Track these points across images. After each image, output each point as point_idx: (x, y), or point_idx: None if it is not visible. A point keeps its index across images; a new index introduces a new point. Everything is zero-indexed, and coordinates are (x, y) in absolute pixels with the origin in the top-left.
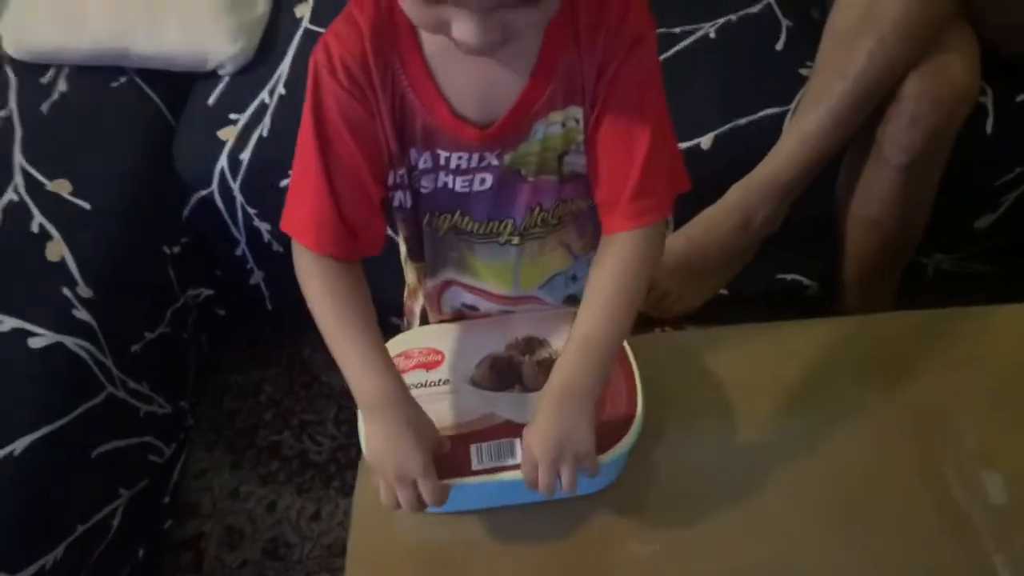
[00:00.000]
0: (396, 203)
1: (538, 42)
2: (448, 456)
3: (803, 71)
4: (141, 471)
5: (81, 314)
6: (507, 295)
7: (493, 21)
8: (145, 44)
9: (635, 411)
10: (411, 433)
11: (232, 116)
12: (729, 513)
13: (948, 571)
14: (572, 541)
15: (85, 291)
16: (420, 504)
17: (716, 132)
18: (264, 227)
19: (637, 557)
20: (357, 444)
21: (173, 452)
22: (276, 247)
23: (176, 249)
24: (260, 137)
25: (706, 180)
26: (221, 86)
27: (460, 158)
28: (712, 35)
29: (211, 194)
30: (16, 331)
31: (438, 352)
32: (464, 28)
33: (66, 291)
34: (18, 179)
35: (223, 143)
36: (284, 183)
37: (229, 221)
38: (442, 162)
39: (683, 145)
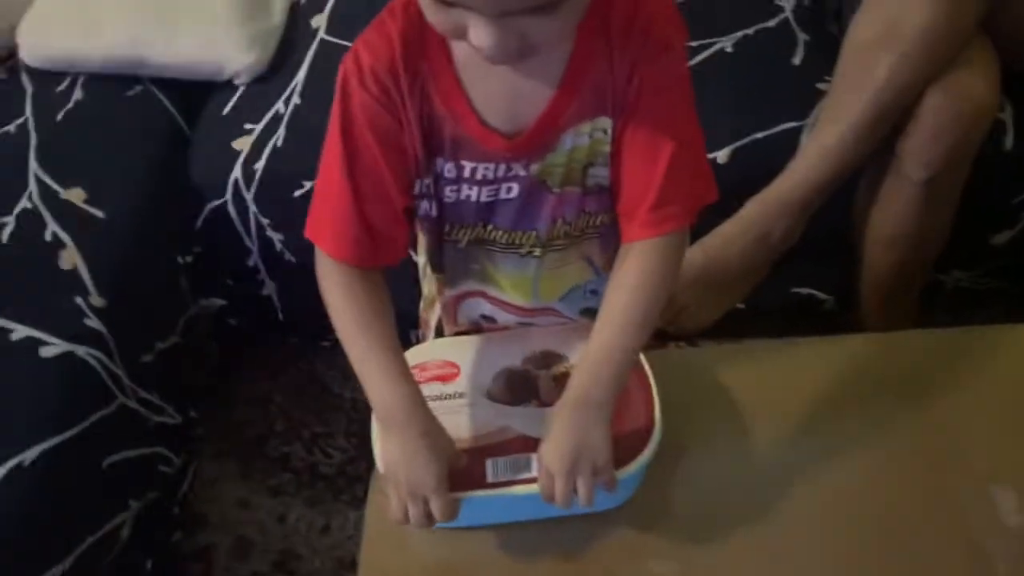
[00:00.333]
0: (421, 212)
1: (567, 52)
2: (464, 469)
3: (821, 85)
4: (151, 481)
5: (93, 323)
6: (525, 306)
7: (509, 27)
8: (161, 53)
9: (652, 425)
10: (426, 447)
11: (247, 126)
12: (746, 532)
13: None
14: (588, 558)
15: (97, 300)
16: (429, 520)
17: (733, 146)
18: (277, 237)
19: (654, 575)
20: (367, 456)
21: (183, 462)
22: (289, 258)
23: (189, 259)
24: (274, 147)
25: (723, 194)
26: (236, 96)
27: (487, 169)
28: (729, 49)
29: (224, 204)
30: (28, 339)
31: (454, 365)
32: (480, 34)
33: (78, 300)
34: (32, 187)
35: (237, 153)
36: (298, 194)
37: (242, 231)
38: (466, 173)
39: None
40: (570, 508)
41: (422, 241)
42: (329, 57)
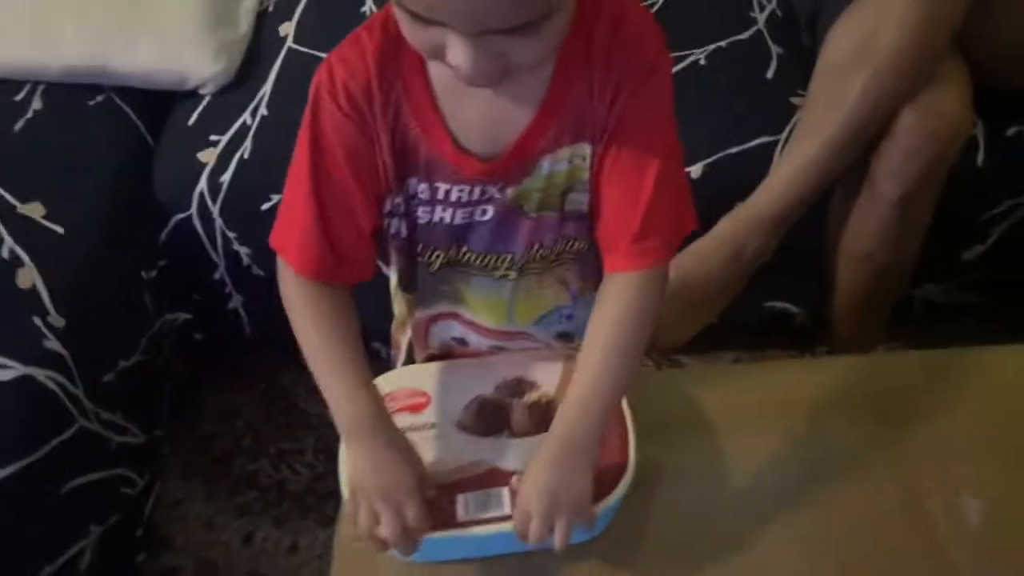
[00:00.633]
0: (392, 231)
1: (547, 75)
2: (433, 506)
3: (794, 100)
4: (113, 504)
5: (52, 344)
6: (499, 329)
7: (487, 48)
8: (123, 61)
9: (627, 459)
10: (394, 455)
11: (213, 137)
12: (723, 559)
13: None
14: None
15: (57, 320)
16: (404, 533)
17: (706, 161)
18: (244, 251)
19: None
20: (336, 473)
21: (147, 483)
22: (256, 271)
23: (153, 273)
24: (241, 159)
25: (696, 210)
26: (202, 106)
27: (461, 191)
28: (702, 62)
29: (190, 217)
30: None
31: (424, 394)
32: (458, 53)
33: (37, 320)
34: None
35: (203, 165)
36: (265, 207)
37: (208, 245)
38: (440, 195)
39: None
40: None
41: (394, 259)
42: (297, 67)
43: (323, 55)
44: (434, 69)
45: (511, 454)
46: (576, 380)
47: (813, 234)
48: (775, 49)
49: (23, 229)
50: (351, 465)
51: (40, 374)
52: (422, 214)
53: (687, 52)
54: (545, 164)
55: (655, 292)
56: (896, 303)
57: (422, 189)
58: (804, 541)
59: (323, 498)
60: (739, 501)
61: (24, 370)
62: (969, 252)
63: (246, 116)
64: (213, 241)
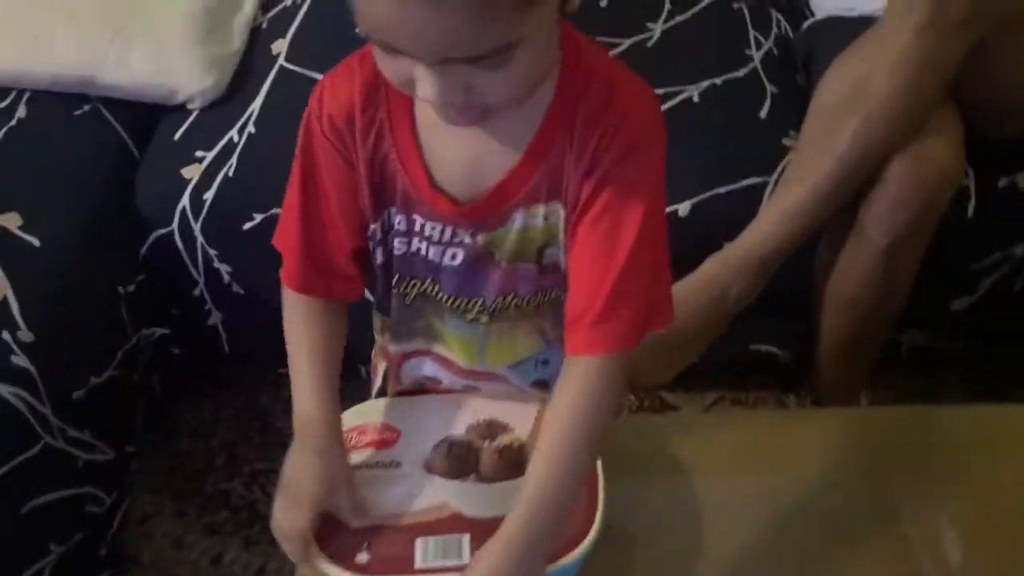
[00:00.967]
0: (374, 258)
1: (531, 130)
2: (393, 548)
3: (787, 141)
4: (76, 523)
5: (19, 360)
6: (472, 369)
7: (453, 79)
8: (112, 73)
9: (595, 512)
10: (318, 461)
11: (198, 153)
12: None
13: None
14: None
15: (26, 335)
16: (285, 533)
17: (695, 200)
18: (225, 269)
19: None
20: None
21: (114, 500)
22: (236, 289)
23: (131, 288)
24: (226, 177)
25: (682, 249)
26: (189, 121)
27: (434, 228)
28: (696, 98)
29: (171, 233)
30: None
31: (394, 429)
32: (424, 84)
33: (5, 335)
34: None
35: (187, 181)
36: (248, 226)
37: (188, 261)
38: (417, 228)
39: None
40: None
41: (378, 284)
42: (288, 86)
43: (315, 75)
44: (420, 107)
45: (476, 500)
46: (529, 476)
47: (800, 277)
48: (770, 88)
49: None
50: (288, 459)
51: (4, 390)
52: (399, 244)
53: (680, 88)
54: (519, 217)
55: (613, 378)
56: (882, 349)
57: (399, 220)
58: None
59: None
60: (712, 554)
61: None
62: (957, 302)
63: (233, 133)
64: (194, 258)
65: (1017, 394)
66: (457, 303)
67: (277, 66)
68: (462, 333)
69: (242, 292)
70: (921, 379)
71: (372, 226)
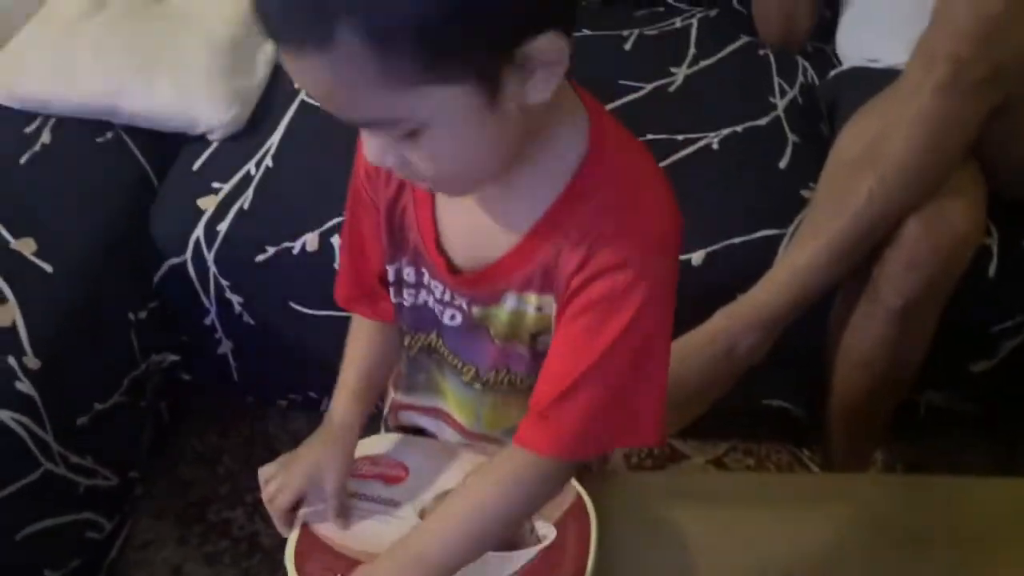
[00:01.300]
0: (392, 297)
1: (537, 213)
2: None
3: (805, 192)
4: (74, 550)
5: (23, 386)
6: (470, 429)
7: (380, 142)
8: (135, 102)
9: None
10: (320, 450)
11: (215, 185)
12: None
13: None
14: None
15: (32, 362)
16: (270, 497)
17: (708, 249)
18: (236, 299)
19: None
20: None
21: (115, 526)
22: (247, 319)
23: (143, 315)
24: (240, 209)
25: (693, 299)
26: (208, 152)
27: (437, 286)
28: (715, 146)
29: (184, 263)
30: None
31: (404, 468)
32: (363, 141)
33: (11, 361)
34: None
35: (202, 212)
36: (260, 258)
37: (200, 291)
38: (425, 281)
39: None
40: None
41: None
42: (307, 121)
43: None
44: None
45: None
46: (426, 526)
47: (814, 334)
48: (792, 137)
49: (12, 265)
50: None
51: (6, 416)
52: (407, 296)
53: (700, 135)
54: (510, 299)
55: (549, 481)
56: (899, 408)
57: (409, 272)
58: None
59: None
60: None
61: None
62: (977, 365)
63: (250, 166)
64: (206, 287)
65: None
66: (455, 361)
67: (297, 101)
68: (461, 393)
69: (252, 323)
70: (940, 438)
71: (389, 268)
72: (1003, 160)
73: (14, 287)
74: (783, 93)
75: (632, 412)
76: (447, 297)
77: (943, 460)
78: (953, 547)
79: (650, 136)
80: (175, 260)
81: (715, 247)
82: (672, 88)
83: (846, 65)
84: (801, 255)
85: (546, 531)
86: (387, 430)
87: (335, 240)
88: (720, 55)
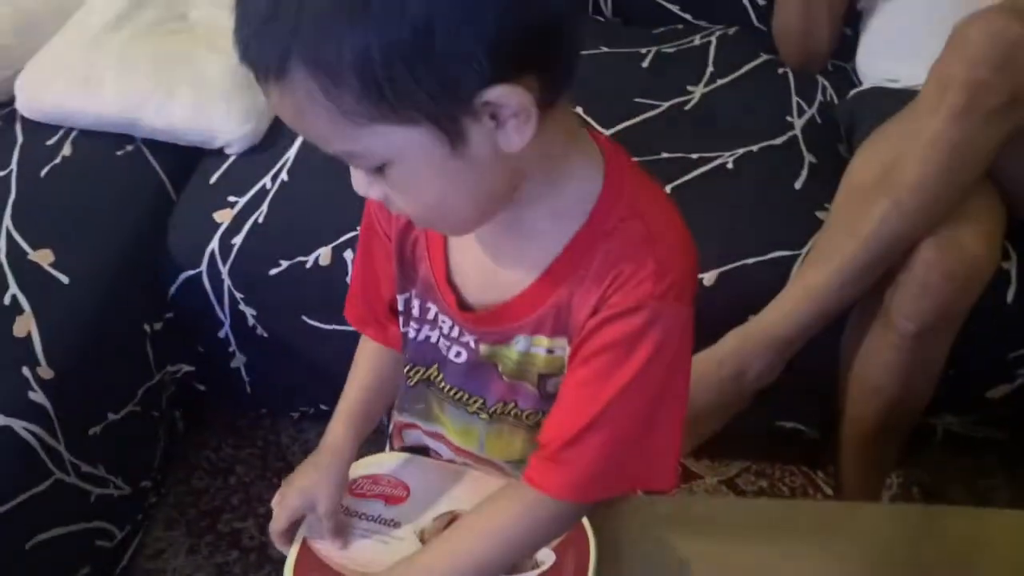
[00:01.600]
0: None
1: (552, 254)
2: None
3: (820, 214)
4: (84, 558)
5: (37, 396)
6: (471, 452)
7: (359, 174)
8: (155, 116)
9: None
10: (314, 474)
11: (231, 198)
12: None
13: None
14: None
15: (46, 372)
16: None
17: (721, 269)
18: (250, 312)
19: None
20: None
21: (126, 535)
22: (261, 332)
23: (158, 326)
24: (255, 223)
25: (704, 320)
26: (226, 165)
27: (444, 321)
28: (730, 165)
29: (199, 275)
30: None
31: (406, 488)
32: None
33: (25, 371)
34: (1, 245)
35: (218, 225)
36: (274, 272)
37: (215, 303)
38: (431, 316)
39: None
40: None
41: None
42: None
43: None
44: None
45: None
46: (433, 550)
47: (827, 356)
48: (808, 157)
49: (29, 276)
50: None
51: (19, 426)
52: (412, 330)
53: (715, 154)
54: (521, 341)
55: (557, 521)
56: (915, 431)
57: (415, 306)
58: None
59: None
60: None
61: (4, 421)
62: (994, 391)
63: (267, 180)
64: (220, 300)
65: None
66: (458, 395)
67: None
68: (463, 423)
69: (266, 335)
70: (957, 463)
71: (399, 297)
72: (1020, 184)
73: (31, 298)
74: (801, 112)
75: (646, 457)
76: (455, 333)
77: (960, 485)
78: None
79: (664, 155)
80: (190, 272)
81: (727, 267)
82: (688, 106)
83: (866, 85)
84: (814, 278)
85: (545, 556)
86: (391, 448)
87: (348, 255)
88: (738, 73)
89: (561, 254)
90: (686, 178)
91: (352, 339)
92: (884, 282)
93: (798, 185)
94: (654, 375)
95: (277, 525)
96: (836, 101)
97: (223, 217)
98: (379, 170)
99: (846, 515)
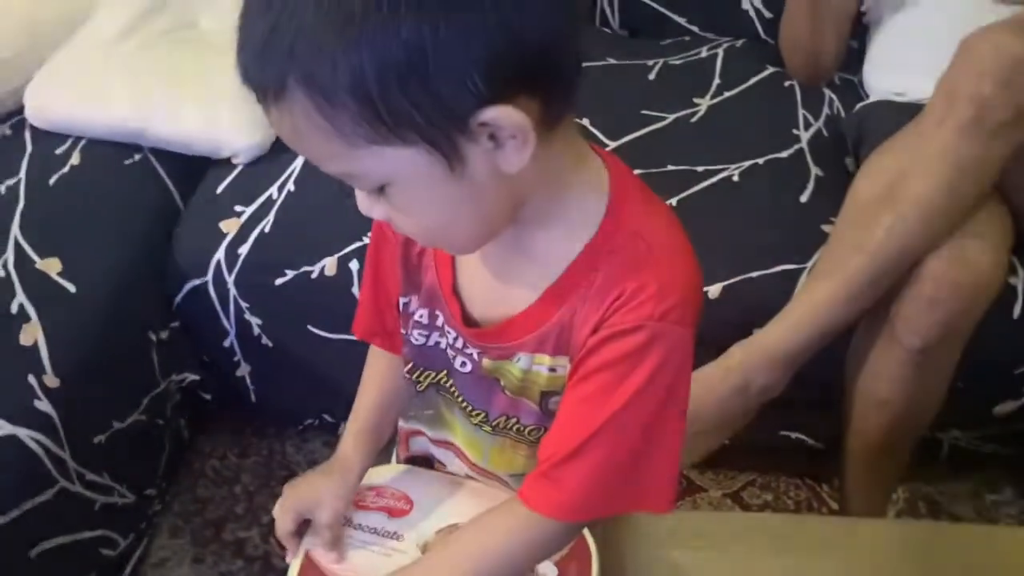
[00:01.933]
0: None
1: (556, 273)
2: None
3: (826, 228)
4: (87, 567)
5: (42, 405)
6: (476, 464)
7: (363, 195)
8: (163, 126)
9: None
10: (319, 481)
11: (238, 208)
12: None
13: None
14: None
15: (52, 380)
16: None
17: (725, 283)
18: (255, 322)
19: None
20: None
21: (130, 543)
22: (266, 342)
23: (164, 334)
24: (262, 233)
25: (709, 332)
26: (232, 175)
27: (449, 332)
28: (736, 178)
29: (205, 284)
30: None
31: (409, 501)
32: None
33: (31, 379)
34: (9, 254)
35: (224, 235)
36: (280, 282)
37: (221, 312)
38: (438, 324)
39: None
40: None
41: None
42: None
43: None
44: None
45: None
46: (429, 564)
47: (833, 369)
48: (814, 171)
49: (36, 284)
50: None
51: (24, 434)
52: (417, 336)
53: (721, 167)
54: (523, 358)
55: (553, 541)
56: (915, 450)
57: (421, 314)
58: None
59: None
60: None
61: (10, 430)
62: (1001, 406)
63: (273, 190)
64: (226, 309)
65: None
66: (464, 404)
67: None
68: (470, 432)
69: (271, 345)
70: (964, 478)
71: (401, 299)
72: None
73: (38, 307)
74: (808, 125)
75: (640, 479)
76: (459, 344)
77: (967, 500)
78: None
79: (670, 167)
80: (197, 281)
81: (733, 280)
82: (695, 119)
83: (872, 98)
84: (819, 291)
85: (547, 570)
86: (397, 459)
87: (354, 265)
88: (745, 86)
89: (564, 273)
90: (692, 191)
91: (357, 349)
92: (890, 296)
93: (804, 198)
94: (651, 397)
95: (280, 527)
96: (843, 114)
97: (229, 227)
98: (380, 190)
99: (854, 530)
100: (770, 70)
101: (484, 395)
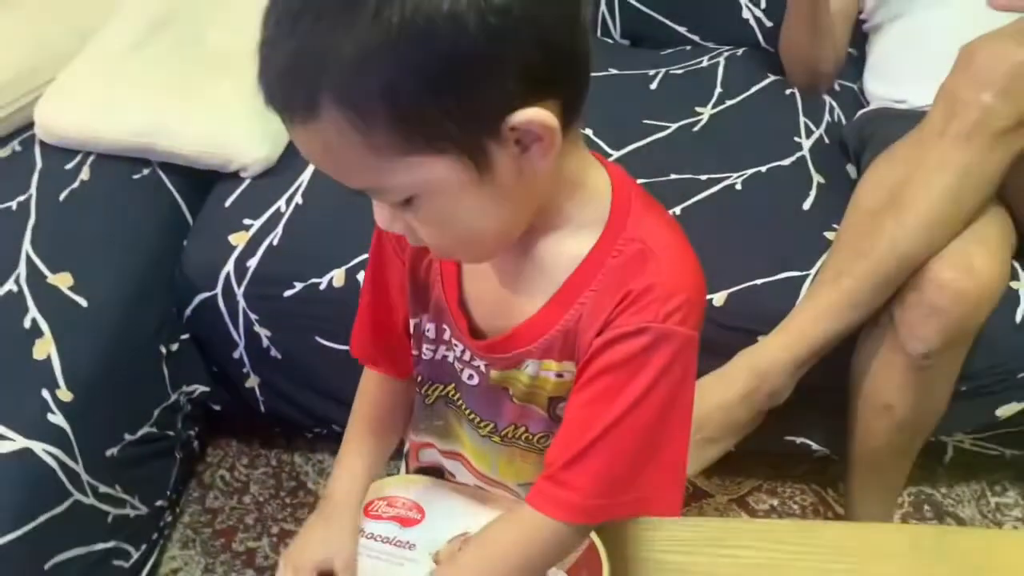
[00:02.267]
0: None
1: (558, 280)
2: None
3: (828, 235)
4: None
5: (56, 419)
6: (485, 475)
7: (382, 208)
8: (171, 141)
9: None
10: (319, 530)
11: (246, 221)
12: None
13: None
14: None
15: (65, 394)
16: None
17: (730, 290)
18: (264, 334)
19: None
20: None
21: (142, 554)
22: (275, 354)
23: (174, 347)
24: (270, 245)
25: (714, 340)
26: (241, 189)
27: (456, 345)
28: (738, 186)
29: (214, 297)
30: None
31: (421, 510)
32: (375, 209)
33: (45, 393)
34: (22, 269)
35: (232, 248)
36: (288, 294)
37: (230, 325)
38: (446, 337)
39: None
40: None
41: None
42: None
43: None
44: None
45: None
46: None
47: (838, 374)
48: (816, 178)
49: (49, 299)
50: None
51: (38, 448)
52: (426, 351)
53: (723, 176)
54: (531, 365)
55: (563, 545)
56: (920, 455)
57: (429, 328)
58: None
59: None
60: None
61: (24, 443)
62: (1003, 409)
63: (281, 203)
64: (235, 321)
65: None
66: (472, 416)
67: None
68: (478, 443)
69: (280, 356)
70: (968, 481)
71: (412, 320)
72: None
73: (51, 321)
74: (809, 133)
75: (646, 483)
76: (466, 357)
77: (972, 503)
78: None
79: (673, 176)
80: (206, 294)
81: (737, 288)
82: (697, 128)
83: (873, 105)
84: (822, 299)
85: None
86: (408, 469)
87: (361, 276)
88: (746, 95)
89: (570, 278)
90: (695, 199)
91: None
92: (894, 302)
93: (806, 206)
94: (656, 399)
95: None
96: (844, 122)
97: (238, 240)
98: (404, 203)
99: (860, 536)
100: (771, 78)
101: (492, 406)
